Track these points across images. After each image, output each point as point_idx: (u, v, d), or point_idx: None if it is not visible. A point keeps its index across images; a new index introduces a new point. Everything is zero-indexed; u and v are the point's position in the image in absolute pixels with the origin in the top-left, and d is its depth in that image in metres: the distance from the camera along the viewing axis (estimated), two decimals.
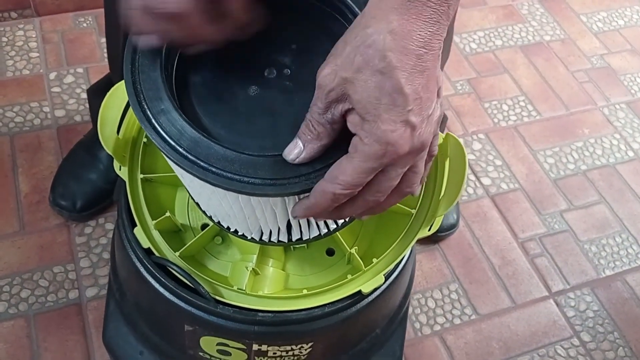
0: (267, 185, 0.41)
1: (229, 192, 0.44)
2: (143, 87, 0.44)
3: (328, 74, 0.39)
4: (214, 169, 0.41)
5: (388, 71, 0.37)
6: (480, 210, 1.14)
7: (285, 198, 0.46)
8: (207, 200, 0.50)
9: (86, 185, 1.00)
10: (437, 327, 0.99)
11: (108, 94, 0.57)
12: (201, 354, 0.60)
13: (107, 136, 0.56)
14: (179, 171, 0.49)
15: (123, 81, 0.58)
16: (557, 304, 1.05)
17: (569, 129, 1.29)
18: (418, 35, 0.37)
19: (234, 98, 0.46)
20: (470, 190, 1.16)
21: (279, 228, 0.51)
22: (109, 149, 0.56)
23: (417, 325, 0.99)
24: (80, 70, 1.21)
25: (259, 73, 0.47)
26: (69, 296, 0.95)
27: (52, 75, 1.19)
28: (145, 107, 0.43)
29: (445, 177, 0.58)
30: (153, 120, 0.43)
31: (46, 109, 1.14)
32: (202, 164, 0.41)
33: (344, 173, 0.40)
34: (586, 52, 1.45)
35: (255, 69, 0.47)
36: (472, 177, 1.18)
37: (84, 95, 1.16)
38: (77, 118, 1.14)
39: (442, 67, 0.94)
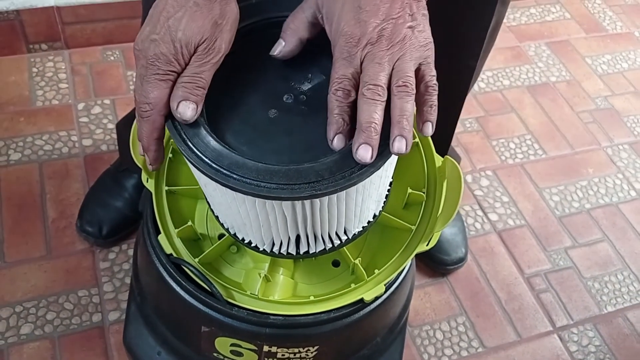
0: (281, 189, 0.47)
1: (248, 198, 0.50)
2: None
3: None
4: (234, 176, 0.48)
5: None
6: (488, 245, 1.18)
7: (296, 206, 0.51)
8: (226, 209, 0.55)
9: (112, 212, 1.05)
10: (445, 359, 1.03)
11: None
12: (215, 354, 0.64)
13: (138, 151, 0.61)
14: (203, 180, 0.54)
15: None
16: (561, 339, 1.08)
17: (574, 168, 1.34)
18: None
19: (256, 119, 0.52)
20: (478, 226, 1.21)
21: (289, 239, 0.56)
22: (139, 162, 0.61)
23: (426, 356, 1.03)
24: (107, 101, 1.27)
25: (278, 98, 0.53)
26: (93, 319, 0.99)
27: (80, 106, 1.25)
28: (178, 125, 0.50)
29: (443, 197, 0.63)
30: (184, 135, 0.50)
31: (74, 138, 1.20)
32: (224, 171, 0.48)
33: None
34: (591, 94, 1.50)
35: (275, 94, 0.53)
36: (480, 213, 1.23)
37: (111, 126, 1.22)
38: (104, 147, 1.19)
39: (464, 98, 0.98)
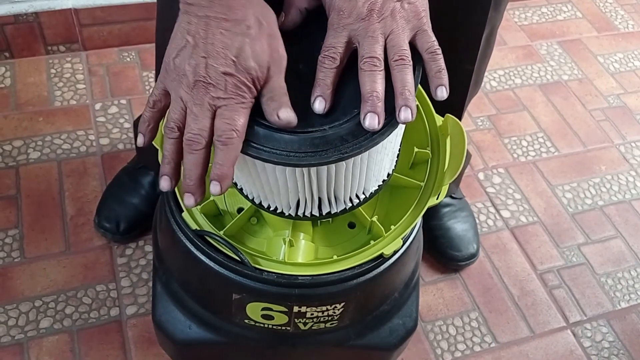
0: (310, 157, 0.51)
1: (278, 167, 0.53)
2: None
3: None
4: (265, 148, 0.51)
5: None
6: (500, 241, 1.19)
7: (322, 171, 0.54)
8: (254, 179, 0.58)
9: (129, 208, 1.06)
10: (458, 354, 1.04)
11: None
12: (246, 320, 0.67)
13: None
14: None
15: None
16: (574, 334, 1.08)
17: (586, 165, 1.34)
18: None
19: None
20: (490, 223, 1.21)
21: (312, 201, 0.59)
22: (157, 144, 0.63)
23: (439, 351, 1.03)
24: (123, 101, 1.29)
25: (295, 67, 0.55)
26: (110, 313, 1.01)
27: (98, 106, 1.28)
28: None
29: (447, 152, 0.66)
30: None
31: (91, 137, 1.22)
32: (255, 145, 0.51)
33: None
34: (603, 92, 1.50)
35: (291, 63, 0.55)
36: (492, 210, 1.23)
37: (127, 125, 1.24)
38: (120, 146, 1.21)
39: (469, 101, 1.00)
